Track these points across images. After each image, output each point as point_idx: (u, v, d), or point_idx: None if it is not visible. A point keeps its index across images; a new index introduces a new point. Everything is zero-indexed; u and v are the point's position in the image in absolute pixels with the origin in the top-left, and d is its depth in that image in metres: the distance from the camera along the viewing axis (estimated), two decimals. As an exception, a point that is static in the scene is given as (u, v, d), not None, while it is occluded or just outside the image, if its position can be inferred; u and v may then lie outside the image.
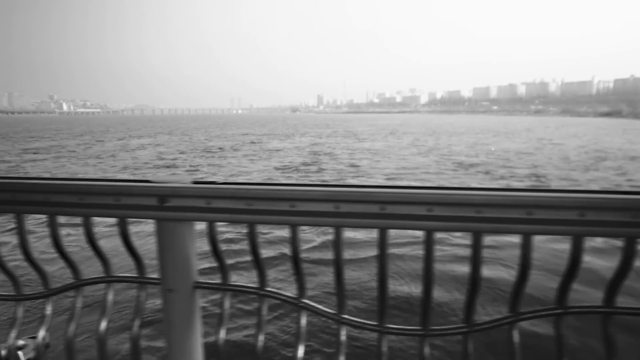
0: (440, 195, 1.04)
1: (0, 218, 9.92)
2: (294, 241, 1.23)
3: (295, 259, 1.26)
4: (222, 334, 1.37)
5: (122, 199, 1.23)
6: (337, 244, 1.19)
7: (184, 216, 1.21)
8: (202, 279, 1.34)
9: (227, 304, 1.39)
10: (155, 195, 1.21)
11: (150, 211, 1.22)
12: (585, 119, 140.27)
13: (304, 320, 1.32)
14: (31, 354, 5.56)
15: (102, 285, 1.50)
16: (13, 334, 1.53)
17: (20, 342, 4.72)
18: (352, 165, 24.45)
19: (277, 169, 23.24)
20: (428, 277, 1.16)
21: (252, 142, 41.31)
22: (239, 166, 24.31)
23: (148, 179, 1.25)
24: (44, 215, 1.33)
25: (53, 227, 1.35)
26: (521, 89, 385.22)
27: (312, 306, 1.30)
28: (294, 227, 1.21)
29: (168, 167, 23.83)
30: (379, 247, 1.16)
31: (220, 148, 35.13)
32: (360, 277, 7.27)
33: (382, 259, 1.17)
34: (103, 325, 1.44)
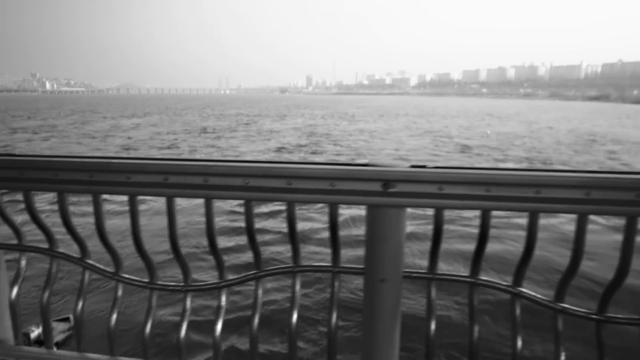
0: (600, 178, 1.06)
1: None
2: (531, 229, 1.15)
3: (529, 248, 1.18)
4: (433, 326, 1.29)
5: (337, 184, 1.15)
6: (580, 234, 1.12)
7: (410, 202, 1.13)
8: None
9: (433, 293, 1.30)
10: (379, 179, 1.12)
11: (372, 197, 1.14)
12: (573, 103, 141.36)
13: (518, 310, 1.26)
14: (60, 337, 5.53)
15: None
16: (183, 326, 1.46)
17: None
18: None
19: (274, 150, 23.12)
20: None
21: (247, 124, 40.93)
22: (236, 147, 24.11)
23: (367, 162, 1.18)
24: (241, 201, 1.28)
25: (249, 213, 1.30)
26: (510, 72, 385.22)
27: (529, 295, 1.23)
28: (534, 214, 1.13)
29: (169, 148, 23.55)
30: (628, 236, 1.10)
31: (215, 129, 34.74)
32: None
33: (628, 249, 1.11)
34: (294, 317, 1.37)
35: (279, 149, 23.27)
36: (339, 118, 50.33)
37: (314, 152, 22.66)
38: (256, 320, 1.40)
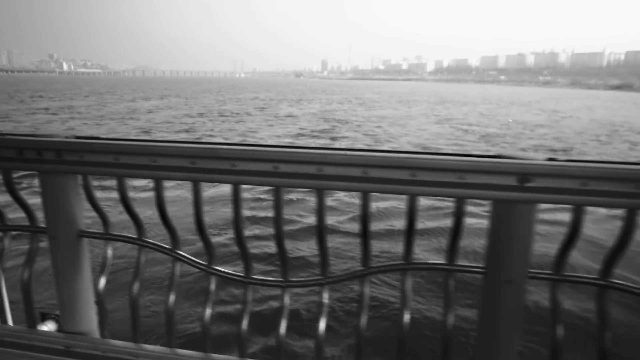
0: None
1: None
2: (628, 224, 1.07)
3: (622, 244, 1.11)
4: (560, 331, 1.22)
5: (467, 177, 1.07)
6: None
7: (547, 198, 1.04)
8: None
9: (559, 296, 1.22)
10: (515, 173, 1.04)
11: (505, 191, 1.06)
12: (595, 92, 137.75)
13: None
14: None
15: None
16: (282, 324, 1.41)
17: None
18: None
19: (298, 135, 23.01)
20: None
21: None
22: (255, 131, 24.06)
23: (499, 153, 1.10)
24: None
25: (365, 205, 1.22)
26: (530, 59, 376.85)
27: (623, 285, 1.15)
28: None
29: (187, 131, 23.61)
30: None
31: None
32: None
33: None
34: (406, 317, 1.31)
35: (298, 135, 23.15)
36: (357, 104, 49.82)
37: (333, 139, 22.49)
38: (363, 320, 1.33)
